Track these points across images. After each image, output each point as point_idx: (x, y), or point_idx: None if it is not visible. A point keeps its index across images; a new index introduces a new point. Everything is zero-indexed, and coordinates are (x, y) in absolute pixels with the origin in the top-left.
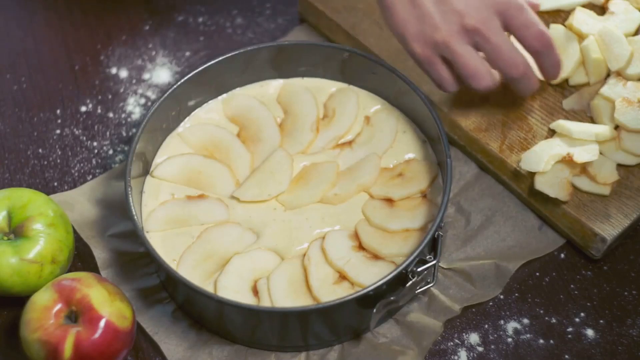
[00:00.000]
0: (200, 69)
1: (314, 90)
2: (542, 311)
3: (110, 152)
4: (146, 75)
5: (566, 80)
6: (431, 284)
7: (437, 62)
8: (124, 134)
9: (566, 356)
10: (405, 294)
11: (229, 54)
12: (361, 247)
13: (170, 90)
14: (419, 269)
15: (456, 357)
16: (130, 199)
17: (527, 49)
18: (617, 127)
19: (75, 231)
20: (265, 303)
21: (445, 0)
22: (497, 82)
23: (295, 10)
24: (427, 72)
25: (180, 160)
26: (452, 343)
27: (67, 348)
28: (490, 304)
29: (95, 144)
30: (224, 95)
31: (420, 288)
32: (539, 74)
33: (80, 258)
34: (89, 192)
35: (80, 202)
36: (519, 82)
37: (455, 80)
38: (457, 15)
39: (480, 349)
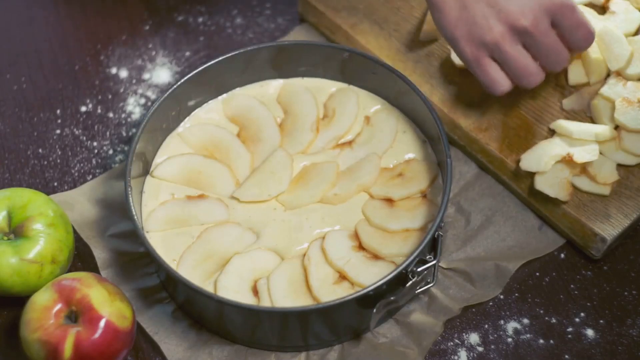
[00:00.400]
0: (200, 69)
1: (314, 90)
2: (542, 311)
3: (110, 152)
4: (146, 75)
5: (566, 80)
6: (431, 284)
7: (487, 63)
8: (124, 134)
9: (566, 356)
10: (405, 294)
11: (229, 54)
12: (361, 247)
13: (170, 90)
14: (419, 269)
15: (456, 357)
16: (130, 199)
17: (573, 46)
18: (617, 127)
19: (75, 231)
20: (265, 303)
21: (496, 2)
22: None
23: (295, 10)
24: (477, 74)
25: (180, 160)
26: (452, 343)
27: (67, 348)
28: (490, 304)
29: (95, 144)
30: (224, 95)
31: (420, 288)
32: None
33: (80, 258)
34: (89, 192)
35: (80, 202)
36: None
37: (506, 80)
38: (508, 15)
39: (480, 349)
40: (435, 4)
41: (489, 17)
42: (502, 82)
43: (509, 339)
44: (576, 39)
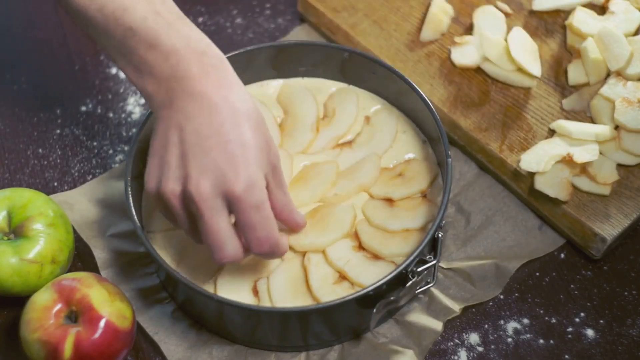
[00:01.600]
0: None
1: (314, 90)
2: (542, 311)
3: (110, 152)
4: None
5: (566, 80)
6: (431, 284)
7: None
8: (124, 134)
9: (566, 356)
10: (405, 294)
11: (229, 54)
12: (361, 247)
13: None
14: (419, 269)
15: (456, 357)
16: (130, 199)
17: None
18: (617, 127)
19: (75, 231)
20: (265, 303)
21: (186, 156)
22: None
23: (295, 10)
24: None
25: None
26: (452, 343)
27: (67, 348)
28: (490, 304)
29: (95, 144)
30: None
31: (420, 288)
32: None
33: (80, 258)
34: (89, 192)
35: (80, 202)
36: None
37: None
38: (183, 177)
39: (480, 349)
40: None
41: (170, 171)
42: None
43: (509, 339)
44: (248, 240)
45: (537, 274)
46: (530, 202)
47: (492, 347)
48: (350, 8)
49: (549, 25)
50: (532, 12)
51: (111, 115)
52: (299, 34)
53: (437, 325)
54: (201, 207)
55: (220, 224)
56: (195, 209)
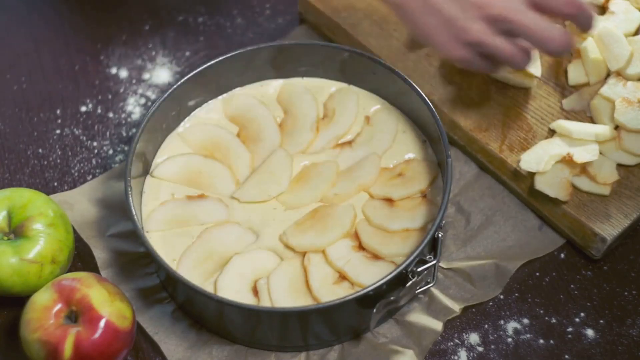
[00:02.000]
0: (200, 69)
1: (314, 90)
2: (542, 311)
3: (110, 152)
4: (146, 75)
5: (566, 80)
6: (431, 284)
7: (477, 60)
8: (124, 134)
9: (566, 356)
10: (405, 294)
11: (229, 54)
12: (361, 247)
13: (170, 90)
14: (419, 269)
15: (456, 357)
16: (130, 199)
17: (560, 16)
18: (617, 127)
19: (75, 231)
20: (265, 303)
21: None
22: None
23: (295, 10)
24: (480, 70)
25: (180, 160)
26: (452, 343)
27: (67, 348)
28: (490, 304)
29: (95, 144)
30: (224, 95)
31: (420, 288)
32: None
33: (80, 258)
34: (89, 192)
35: (80, 202)
36: (562, 48)
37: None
38: (477, 9)
39: (480, 349)
40: (406, 17)
41: (460, 16)
42: (495, 68)
43: (509, 339)
44: (558, 9)
45: (537, 274)
46: (530, 202)
47: (492, 347)
48: (350, 8)
49: None
50: None
51: (111, 115)
52: (299, 34)
53: (437, 325)
54: (509, 15)
55: (532, 17)
56: (504, 21)
